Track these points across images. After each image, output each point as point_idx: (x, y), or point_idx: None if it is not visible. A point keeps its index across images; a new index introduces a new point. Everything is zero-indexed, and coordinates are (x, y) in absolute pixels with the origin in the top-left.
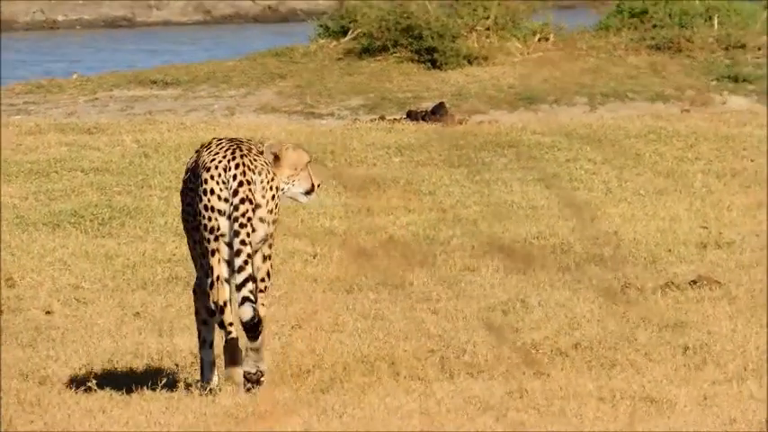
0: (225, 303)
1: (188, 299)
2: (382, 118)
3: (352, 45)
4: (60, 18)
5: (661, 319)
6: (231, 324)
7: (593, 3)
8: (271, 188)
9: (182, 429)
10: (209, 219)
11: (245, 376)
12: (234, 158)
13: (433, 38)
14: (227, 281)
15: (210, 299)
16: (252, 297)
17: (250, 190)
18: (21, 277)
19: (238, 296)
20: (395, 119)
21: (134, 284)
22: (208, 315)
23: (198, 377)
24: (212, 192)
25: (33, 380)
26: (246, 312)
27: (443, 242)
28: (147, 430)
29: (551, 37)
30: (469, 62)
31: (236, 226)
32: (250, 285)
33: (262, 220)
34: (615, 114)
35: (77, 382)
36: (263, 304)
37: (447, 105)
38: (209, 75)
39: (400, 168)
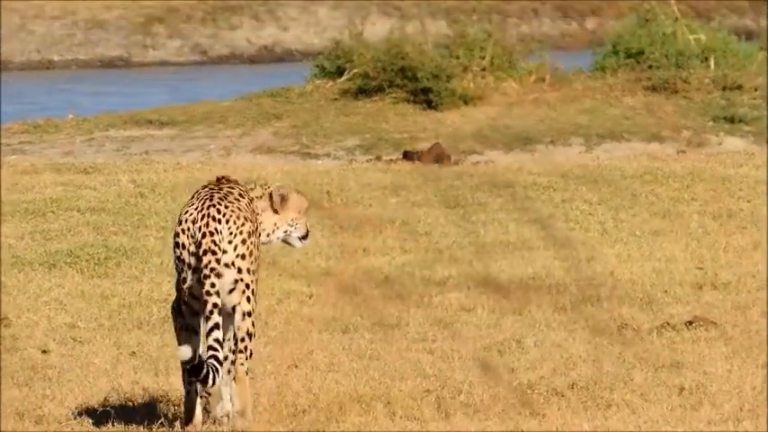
0: (194, 351)
1: None
2: (378, 158)
3: (348, 85)
4: (56, 58)
5: (657, 359)
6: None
7: (589, 43)
8: (240, 233)
9: None
10: (181, 270)
11: (222, 418)
12: (202, 209)
13: (428, 78)
14: (196, 333)
15: (177, 340)
16: (216, 345)
17: (213, 241)
18: (17, 316)
19: (205, 344)
20: (391, 159)
21: (130, 324)
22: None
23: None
24: (183, 246)
25: (30, 419)
26: (184, 353)
27: (439, 282)
28: None
29: (547, 77)
30: (465, 102)
31: (201, 277)
32: (216, 334)
33: (227, 265)
34: (611, 155)
35: (74, 422)
36: (241, 363)
37: (443, 146)
38: (206, 115)
39: (396, 209)
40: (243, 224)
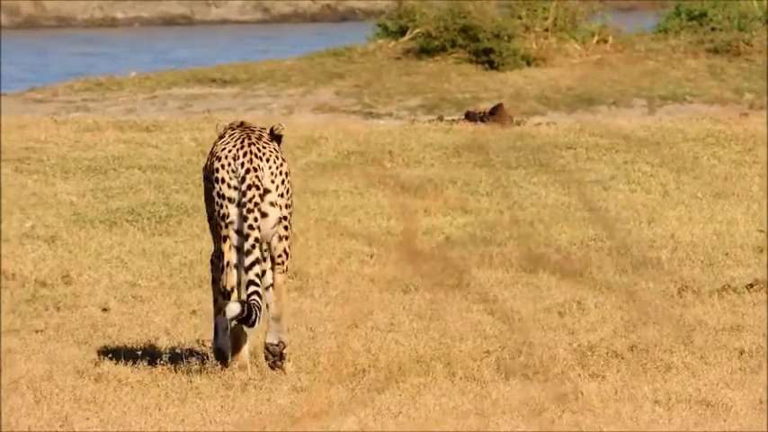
0: (232, 289)
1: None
2: (440, 118)
3: (410, 45)
4: (119, 15)
5: (717, 322)
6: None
7: (653, 4)
8: (280, 173)
9: (237, 428)
10: (221, 206)
11: (267, 348)
12: (242, 147)
13: (489, 39)
14: (237, 267)
15: (221, 283)
16: (257, 281)
17: (257, 177)
18: (78, 274)
19: (245, 278)
20: (453, 119)
21: (191, 282)
22: (225, 288)
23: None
24: (222, 180)
25: (89, 377)
26: (231, 310)
27: (500, 243)
28: (202, 429)
29: (610, 39)
30: (527, 63)
31: (243, 211)
32: (256, 269)
33: (272, 204)
34: (673, 117)
35: (133, 380)
36: (280, 273)
37: (505, 106)
38: (268, 74)
39: (457, 169)
40: (282, 163)
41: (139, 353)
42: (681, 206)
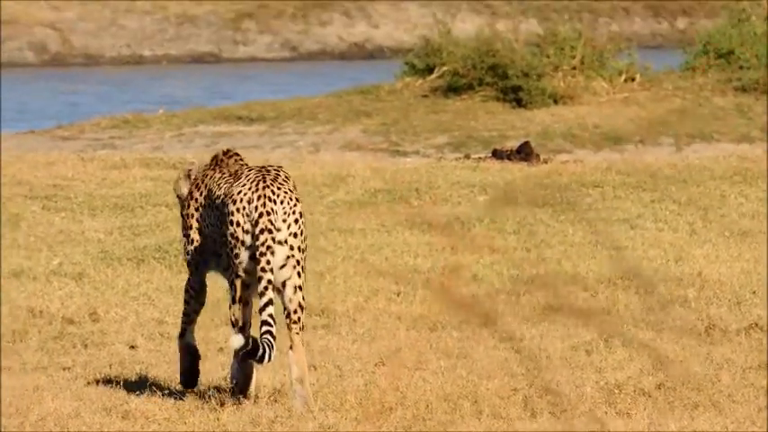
0: (244, 324)
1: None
2: (467, 156)
3: (437, 83)
4: (147, 53)
5: (745, 360)
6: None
7: (680, 42)
8: (293, 212)
9: None
10: (234, 246)
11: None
12: (257, 190)
13: (518, 77)
14: (247, 304)
15: (231, 313)
16: (271, 321)
17: (270, 221)
18: (105, 312)
19: (260, 319)
20: (480, 157)
21: (217, 320)
22: (196, 314)
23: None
24: (237, 224)
25: (117, 414)
26: (235, 342)
27: (527, 281)
28: None
29: (637, 77)
30: (555, 101)
31: (257, 254)
32: (270, 309)
33: (280, 242)
34: (700, 155)
35: (161, 417)
36: (296, 333)
37: (532, 144)
38: (295, 111)
39: (485, 207)
40: (296, 204)
41: (167, 390)
42: (708, 244)
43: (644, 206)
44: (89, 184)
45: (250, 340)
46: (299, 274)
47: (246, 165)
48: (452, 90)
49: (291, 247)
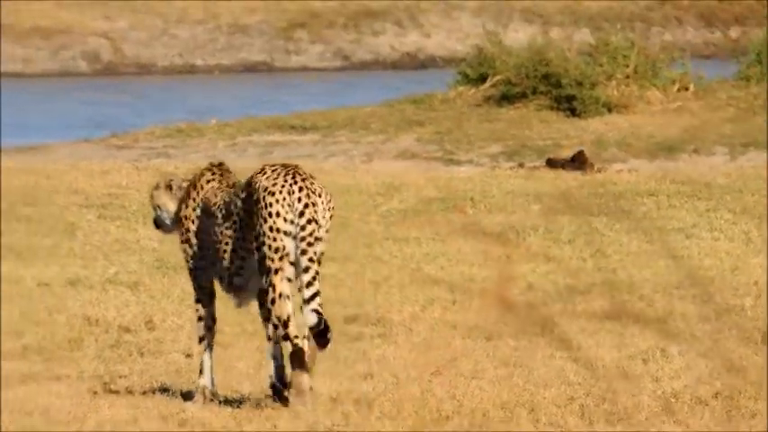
0: (288, 317)
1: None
2: (521, 165)
3: (490, 92)
4: (199, 63)
5: None
6: (297, 336)
7: (733, 52)
8: (329, 209)
9: None
10: (275, 239)
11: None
12: (296, 182)
13: (572, 86)
14: (289, 297)
15: (273, 315)
16: (320, 309)
17: (315, 211)
18: (161, 320)
19: (307, 308)
20: (534, 166)
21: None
22: (213, 322)
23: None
24: (278, 214)
25: (173, 422)
26: (311, 318)
27: (583, 291)
28: None
29: (691, 86)
30: (609, 110)
31: (303, 245)
32: (318, 299)
33: (322, 240)
34: (755, 164)
35: (217, 426)
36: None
37: (586, 153)
38: (348, 120)
39: (539, 216)
40: (330, 200)
41: (223, 398)
42: (764, 253)
43: (699, 215)
44: (143, 193)
45: (323, 321)
46: (319, 261)
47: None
48: (506, 99)
49: (324, 242)
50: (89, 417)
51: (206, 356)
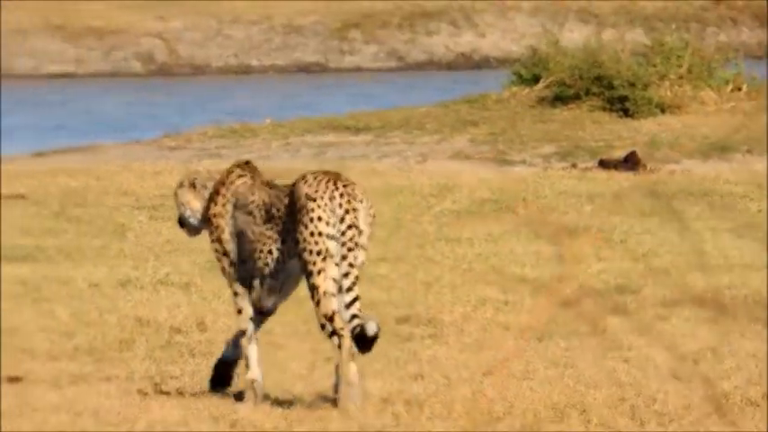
0: (333, 312)
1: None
2: (574, 166)
3: (544, 93)
4: (254, 63)
5: None
6: (342, 328)
7: None
8: (370, 215)
9: None
10: (317, 243)
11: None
12: (337, 188)
13: (624, 86)
14: (334, 295)
15: (319, 315)
16: (359, 314)
17: (356, 217)
18: (212, 321)
19: (347, 314)
20: (587, 167)
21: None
22: (256, 314)
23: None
24: (320, 219)
25: (225, 423)
26: (371, 328)
27: (635, 291)
28: None
29: (744, 87)
30: (662, 111)
31: (343, 250)
32: (358, 304)
33: (362, 246)
34: None
35: (269, 427)
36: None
37: (639, 154)
38: (402, 121)
39: (592, 216)
40: (371, 206)
41: (274, 399)
42: None
43: (752, 216)
44: None
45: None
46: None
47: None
48: (559, 100)
49: (365, 252)
50: (139, 418)
51: (251, 349)
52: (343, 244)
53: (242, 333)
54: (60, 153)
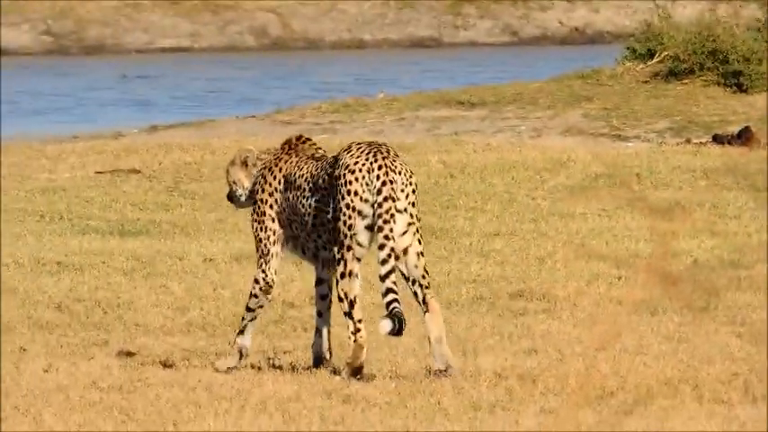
0: (355, 298)
1: (492, 319)
2: (688, 141)
3: (658, 68)
4: (367, 37)
5: None
6: (360, 321)
7: None
8: (410, 183)
9: None
10: (350, 216)
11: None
12: (377, 160)
13: (739, 61)
14: (358, 276)
15: (339, 289)
16: (395, 288)
17: (392, 189)
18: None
19: (383, 287)
20: (701, 142)
21: (440, 304)
22: (261, 309)
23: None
24: (356, 193)
25: (337, 398)
26: (384, 327)
27: (748, 266)
28: None
29: None
30: None
31: (380, 222)
32: (393, 276)
33: (399, 210)
34: None
35: (381, 401)
36: (431, 296)
37: (753, 129)
38: (516, 96)
39: (706, 192)
40: (411, 175)
41: (388, 374)
42: None
43: None
44: None
45: (395, 321)
46: (419, 240)
47: (322, 150)
48: (673, 75)
49: (411, 215)
50: (253, 392)
51: (249, 319)
52: (380, 216)
53: (239, 331)
54: (174, 128)
